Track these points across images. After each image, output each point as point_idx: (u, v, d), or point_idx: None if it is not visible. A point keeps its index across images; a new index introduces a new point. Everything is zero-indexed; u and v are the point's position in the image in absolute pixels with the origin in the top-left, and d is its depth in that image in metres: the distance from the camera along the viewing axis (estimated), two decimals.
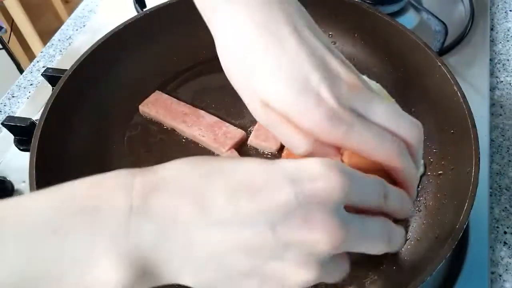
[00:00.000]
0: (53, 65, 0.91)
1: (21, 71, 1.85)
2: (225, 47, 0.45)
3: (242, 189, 0.31)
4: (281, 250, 0.31)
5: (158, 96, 0.72)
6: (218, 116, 0.70)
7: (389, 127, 0.39)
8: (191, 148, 0.68)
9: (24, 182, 0.73)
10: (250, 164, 0.33)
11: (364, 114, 0.38)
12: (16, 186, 0.73)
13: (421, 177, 0.64)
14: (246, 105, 0.43)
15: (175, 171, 0.34)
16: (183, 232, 0.31)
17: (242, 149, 0.68)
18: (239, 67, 0.43)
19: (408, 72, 0.71)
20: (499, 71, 0.87)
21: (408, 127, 0.40)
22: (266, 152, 0.67)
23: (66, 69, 0.66)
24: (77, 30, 1.01)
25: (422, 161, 0.65)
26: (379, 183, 0.36)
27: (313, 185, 0.31)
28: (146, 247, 0.31)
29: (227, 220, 0.31)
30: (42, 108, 0.61)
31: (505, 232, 0.68)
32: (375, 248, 0.35)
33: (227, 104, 0.73)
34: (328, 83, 0.38)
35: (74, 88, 0.66)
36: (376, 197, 0.35)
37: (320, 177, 0.32)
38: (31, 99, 0.86)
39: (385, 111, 0.39)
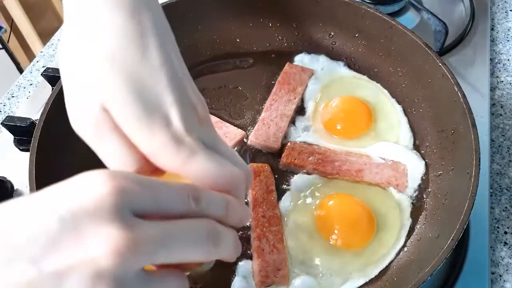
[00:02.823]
0: (53, 65, 0.91)
1: (21, 71, 1.85)
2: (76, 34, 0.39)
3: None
4: (55, 283, 0.27)
5: None
6: (218, 116, 0.70)
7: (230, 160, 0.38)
8: None
9: (23, 182, 0.73)
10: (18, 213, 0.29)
11: (211, 146, 0.37)
12: (16, 186, 0.73)
13: (421, 177, 0.64)
14: (76, 104, 0.38)
15: None
16: None
17: (242, 149, 0.68)
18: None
19: (408, 72, 0.71)
20: (500, 71, 0.87)
21: (244, 167, 0.39)
22: (266, 152, 0.67)
23: None
24: None
25: (423, 162, 0.65)
26: (184, 188, 0.32)
27: (80, 198, 0.28)
28: None
29: None
30: (42, 108, 0.61)
31: (505, 232, 0.68)
32: (194, 252, 0.31)
33: (227, 104, 0.73)
34: (181, 109, 0.36)
35: None
36: (180, 202, 0.32)
37: (88, 188, 0.28)
38: (31, 99, 0.86)
39: (228, 148, 0.39)
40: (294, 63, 0.76)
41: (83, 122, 0.37)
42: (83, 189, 0.28)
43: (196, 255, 0.31)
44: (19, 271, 0.27)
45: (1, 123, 0.75)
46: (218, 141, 0.39)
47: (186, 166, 0.35)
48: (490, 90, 0.82)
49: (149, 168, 0.37)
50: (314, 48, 0.77)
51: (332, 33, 0.77)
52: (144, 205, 0.30)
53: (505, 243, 0.67)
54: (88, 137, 0.37)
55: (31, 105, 0.84)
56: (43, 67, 0.92)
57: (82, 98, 0.37)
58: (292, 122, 0.70)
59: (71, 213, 0.27)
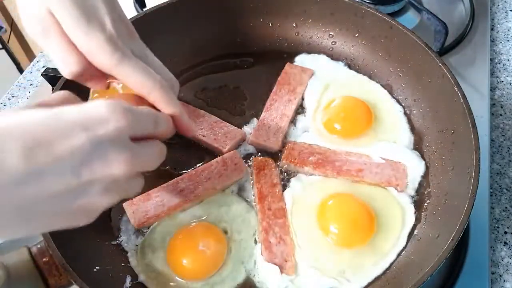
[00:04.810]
0: (53, 65, 0.91)
1: (21, 71, 1.85)
2: None
3: (37, 145, 0.35)
4: (84, 187, 0.37)
5: None
6: (218, 116, 0.70)
7: (158, 71, 0.47)
8: (191, 148, 0.68)
9: None
10: (36, 119, 0.36)
11: (141, 57, 0.46)
12: None
13: (421, 177, 0.64)
14: (27, 7, 0.45)
15: None
16: None
17: (242, 149, 0.68)
18: None
19: (408, 72, 0.71)
20: (500, 71, 0.87)
21: (169, 76, 0.50)
22: (266, 152, 0.67)
23: None
24: None
25: (423, 162, 0.65)
26: (151, 113, 0.44)
27: (105, 128, 0.38)
28: None
29: (28, 176, 0.34)
30: None
31: (505, 232, 0.68)
32: (155, 163, 0.45)
33: (227, 104, 0.73)
34: (113, 18, 0.45)
35: (74, 88, 0.65)
36: (151, 126, 0.44)
37: (109, 119, 0.38)
38: (31, 99, 0.86)
39: (155, 59, 0.49)
40: (294, 63, 0.76)
41: (33, 23, 0.45)
42: (104, 119, 0.38)
43: (154, 166, 0.45)
44: (56, 178, 0.35)
45: None
46: (148, 52, 0.49)
47: (119, 67, 0.44)
48: (490, 90, 0.83)
49: (91, 71, 0.45)
50: (314, 48, 0.77)
51: (332, 33, 0.77)
52: (136, 132, 0.41)
53: (505, 243, 0.67)
54: (37, 36, 0.45)
55: None
56: (43, 67, 0.92)
57: (32, 2, 0.44)
58: (292, 122, 0.70)
59: (99, 139, 0.37)
